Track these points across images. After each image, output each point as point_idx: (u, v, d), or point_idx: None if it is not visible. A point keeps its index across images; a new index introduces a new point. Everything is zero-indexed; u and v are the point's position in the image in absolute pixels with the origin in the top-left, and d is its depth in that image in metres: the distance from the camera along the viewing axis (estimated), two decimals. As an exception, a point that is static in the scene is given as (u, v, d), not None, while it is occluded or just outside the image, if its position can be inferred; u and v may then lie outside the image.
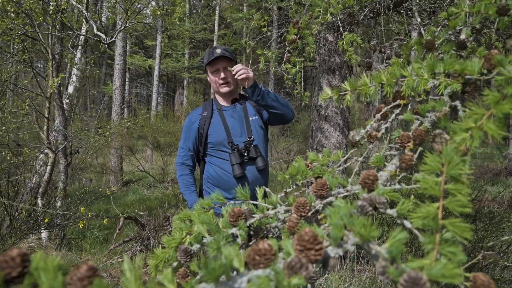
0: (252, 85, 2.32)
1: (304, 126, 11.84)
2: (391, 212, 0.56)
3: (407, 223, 0.52)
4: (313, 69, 4.86)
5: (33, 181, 5.56)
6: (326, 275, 3.95)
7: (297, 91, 2.51)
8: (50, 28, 4.93)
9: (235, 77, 2.32)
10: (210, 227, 0.90)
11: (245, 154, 2.38)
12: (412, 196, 0.86)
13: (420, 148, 0.90)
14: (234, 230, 0.88)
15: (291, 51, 2.20)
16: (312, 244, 0.45)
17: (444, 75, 0.84)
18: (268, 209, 0.96)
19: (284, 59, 2.30)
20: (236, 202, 1.05)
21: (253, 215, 0.93)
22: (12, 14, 4.41)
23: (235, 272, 0.47)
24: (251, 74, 2.30)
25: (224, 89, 2.52)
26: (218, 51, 2.49)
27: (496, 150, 15.35)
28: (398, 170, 0.89)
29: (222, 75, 2.51)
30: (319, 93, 4.49)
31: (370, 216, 0.55)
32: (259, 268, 0.45)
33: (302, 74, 2.48)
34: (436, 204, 0.48)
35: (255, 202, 1.02)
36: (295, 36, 2.04)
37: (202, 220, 0.95)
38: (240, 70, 2.29)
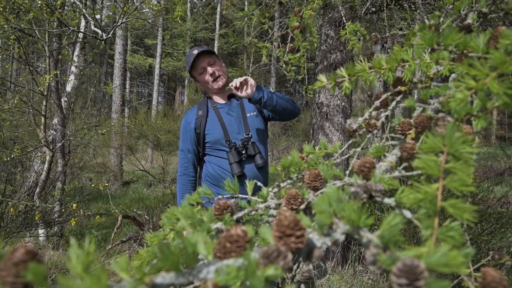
0: (254, 99, 2.24)
1: (306, 125, 11.77)
2: (389, 201, 0.49)
3: (407, 213, 0.45)
4: (315, 67, 4.80)
5: (31, 180, 5.51)
6: (327, 276, 3.88)
7: (301, 76, 2.42)
8: (47, 25, 4.88)
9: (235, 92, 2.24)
10: (193, 222, 0.83)
11: (243, 152, 2.30)
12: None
13: (422, 136, 0.82)
14: (219, 225, 0.81)
15: (294, 37, 2.12)
16: (293, 230, 0.38)
17: (446, 53, 0.76)
18: (258, 203, 0.88)
19: (287, 50, 2.22)
20: (225, 196, 0.98)
21: (242, 209, 0.85)
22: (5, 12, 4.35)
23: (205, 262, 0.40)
24: (246, 92, 2.22)
25: (218, 84, 2.43)
26: (195, 51, 2.40)
27: (500, 150, 15.23)
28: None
29: (210, 70, 2.42)
30: (320, 90, 4.42)
31: (364, 204, 0.47)
32: (230, 256, 0.38)
33: (305, 67, 2.39)
34: (435, 185, 0.41)
35: (244, 196, 0.95)
36: (298, 23, 1.97)
37: (185, 215, 0.88)
38: (236, 85, 2.20)
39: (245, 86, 2.24)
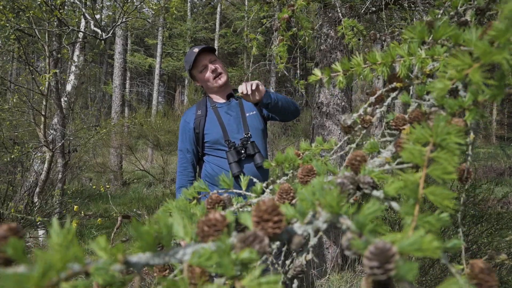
0: (262, 104, 2.21)
1: (306, 125, 11.78)
2: (377, 193, 0.48)
3: (395, 205, 0.45)
4: (315, 66, 4.78)
5: (31, 180, 5.51)
6: (327, 276, 3.88)
7: (282, 64, 2.37)
8: (47, 24, 4.88)
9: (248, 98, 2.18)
10: (186, 215, 0.82)
11: (242, 151, 2.29)
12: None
13: (411, 129, 0.82)
14: (211, 219, 0.81)
15: (281, 27, 2.09)
16: (270, 215, 0.38)
17: (441, 48, 0.76)
18: (252, 198, 0.89)
19: (277, 42, 2.21)
20: (220, 191, 0.98)
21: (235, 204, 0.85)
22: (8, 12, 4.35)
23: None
24: (255, 98, 2.16)
25: (220, 82, 2.43)
26: (196, 49, 2.39)
27: (500, 150, 15.20)
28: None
29: (212, 67, 2.41)
30: (320, 90, 4.42)
31: (351, 196, 0.47)
32: (208, 240, 0.39)
33: (301, 65, 2.38)
34: (419, 174, 0.41)
35: (239, 191, 0.95)
36: (286, 15, 1.96)
37: (178, 208, 0.88)
38: (248, 92, 2.13)
39: (256, 93, 2.19)
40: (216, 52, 2.55)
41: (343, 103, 4.36)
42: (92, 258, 0.37)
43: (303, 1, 1.95)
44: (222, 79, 2.43)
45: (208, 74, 2.42)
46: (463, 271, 0.68)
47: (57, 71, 4.89)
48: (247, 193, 0.90)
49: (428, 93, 0.99)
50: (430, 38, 0.75)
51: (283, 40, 2.17)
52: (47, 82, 4.56)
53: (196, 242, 0.40)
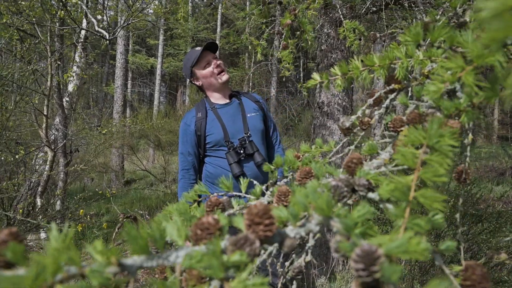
0: None
1: (307, 125, 11.78)
2: (372, 195, 0.49)
3: (391, 207, 0.45)
4: (316, 66, 4.79)
5: (33, 180, 5.53)
6: (328, 276, 3.88)
7: (289, 72, 2.40)
8: (49, 24, 4.89)
9: None
10: (186, 217, 0.83)
11: (241, 151, 2.30)
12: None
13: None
14: (210, 222, 0.81)
15: (284, 34, 2.11)
16: (261, 218, 0.39)
17: (439, 49, 0.76)
18: (251, 200, 0.89)
19: (281, 46, 2.22)
20: (219, 194, 0.98)
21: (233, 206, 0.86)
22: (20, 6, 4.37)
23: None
24: None
25: (224, 77, 2.45)
26: (199, 48, 2.44)
27: (501, 150, 15.15)
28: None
29: (216, 62, 2.44)
30: (321, 90, 4.42)
31: (346, 199, 0.48)
32: (201, 243, 0.39)
33: (302, 67, 2.38)
34: (411, 176, 0.42)
35: (239, 194, 0.95)
36: (289, 21, 1.97)
37: (179, 211, 0.88)
38: None
39: None
40: (218, 53, 2.58)
41: (344, 103, 4.36)
42: (91, 261, 0.37)
43: (312, 10, 1.95)
44: (225, 76, 2.46)
45: (212, 69, 2.43)
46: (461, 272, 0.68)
47: (72, 73, 4.90)
48: (246, 195, 0.90)
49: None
50: (427, 41, 0.75)
51: (286, 46, 2.18)
52: (49, 83, 4.58)
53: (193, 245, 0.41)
